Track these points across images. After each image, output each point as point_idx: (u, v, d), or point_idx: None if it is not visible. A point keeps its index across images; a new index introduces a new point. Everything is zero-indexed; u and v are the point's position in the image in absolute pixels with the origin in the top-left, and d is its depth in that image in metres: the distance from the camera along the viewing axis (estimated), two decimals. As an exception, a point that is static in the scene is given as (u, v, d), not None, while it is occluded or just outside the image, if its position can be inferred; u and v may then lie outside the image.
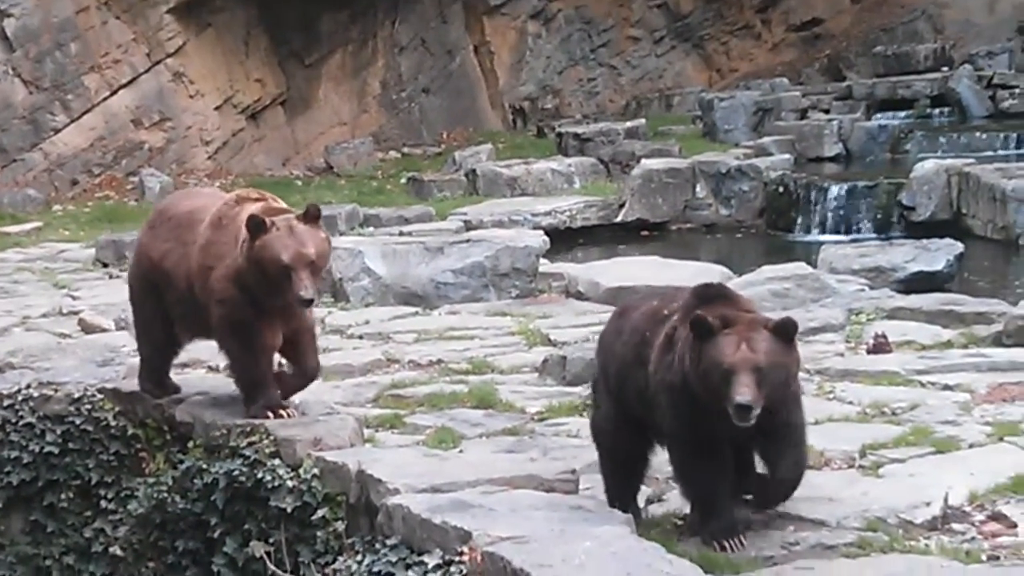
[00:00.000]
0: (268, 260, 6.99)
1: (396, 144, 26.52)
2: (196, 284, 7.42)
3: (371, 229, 16.89)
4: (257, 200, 7.38)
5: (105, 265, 14.27)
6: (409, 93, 27.22)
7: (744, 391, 5.25)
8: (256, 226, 7.03)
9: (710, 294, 5.74)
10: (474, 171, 21.28)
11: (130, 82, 23.95)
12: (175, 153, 24.32)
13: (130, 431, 8.20)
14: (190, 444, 7.62)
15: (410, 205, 19.44)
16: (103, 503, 8.26)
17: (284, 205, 7.39)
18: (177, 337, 7.91)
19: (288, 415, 7.29)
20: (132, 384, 8.47)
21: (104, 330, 10.76)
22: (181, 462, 7.49)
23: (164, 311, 7.78)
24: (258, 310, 7.23)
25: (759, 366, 5.30)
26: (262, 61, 25.46)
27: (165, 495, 7.47)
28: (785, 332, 5.45)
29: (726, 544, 5.62)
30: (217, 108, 24.81)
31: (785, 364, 5.45)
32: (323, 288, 12.22)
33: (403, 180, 22.57)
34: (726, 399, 5.32)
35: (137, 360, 9.36)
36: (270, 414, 7.26)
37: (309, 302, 6.98)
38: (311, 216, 7.11)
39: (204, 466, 7.26)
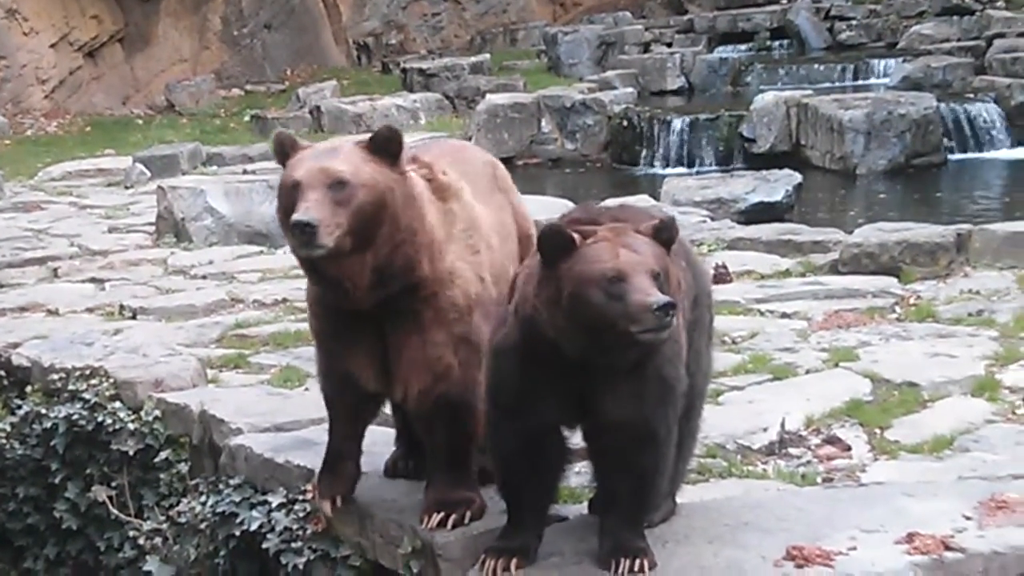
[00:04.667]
0: (281, 186, 5.10)
1: (239, 81, 26.16)
2: None
3: (214, 168, 16.65)
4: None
5: (-59, 208, 13.94)
6: (251, 29, 26.82)
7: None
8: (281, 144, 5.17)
9: None
10: (318, 108, 21.12)
11: (-39, 20, 23.31)
12: (10, 92, 23.73)
13: (-35, 377, 8.03)
14: (28, 389, 7.49)
15: (253, 143, 19.14)
16: (-61, 451, 8.08)
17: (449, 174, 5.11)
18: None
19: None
20: (-34, 329, 8.26)
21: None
22: (19, 407, 7.35)
23: None
24: (339, 312, 4.96)
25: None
26: (98, -4, 24.90)
27: (3, 441, 7.30)
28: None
29: None
30: (53, 46, 24.22)
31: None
32: (173, 230, 12.00)
33: (246, 118, 22.32)
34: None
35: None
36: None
37: (304, 228, 4.79)
38: (376, 143, 4.89)
39: (43, 411, 7.13)
